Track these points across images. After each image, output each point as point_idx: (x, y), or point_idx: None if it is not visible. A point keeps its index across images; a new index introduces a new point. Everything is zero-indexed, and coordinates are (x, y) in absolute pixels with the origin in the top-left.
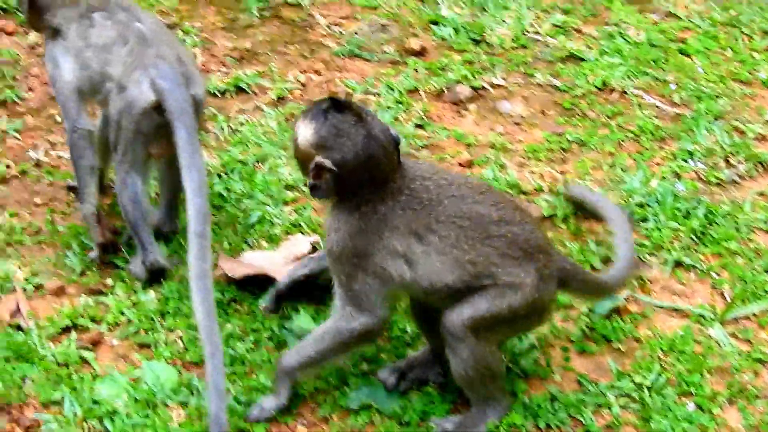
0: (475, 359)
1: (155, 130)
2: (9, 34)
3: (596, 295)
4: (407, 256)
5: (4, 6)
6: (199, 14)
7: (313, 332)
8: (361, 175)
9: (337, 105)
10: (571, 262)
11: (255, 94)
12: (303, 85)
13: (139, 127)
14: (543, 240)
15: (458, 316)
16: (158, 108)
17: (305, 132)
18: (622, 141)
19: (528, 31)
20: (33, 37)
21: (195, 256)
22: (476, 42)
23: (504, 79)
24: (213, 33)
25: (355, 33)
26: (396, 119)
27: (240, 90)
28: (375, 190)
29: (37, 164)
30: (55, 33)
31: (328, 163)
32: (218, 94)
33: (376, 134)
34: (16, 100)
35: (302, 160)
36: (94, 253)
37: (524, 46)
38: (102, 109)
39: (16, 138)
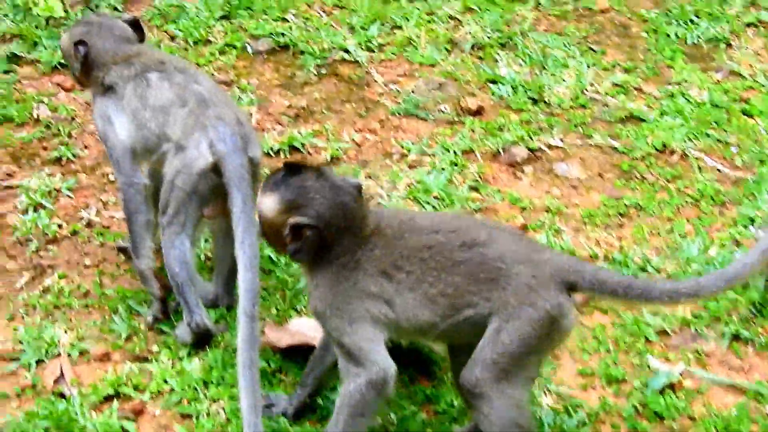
0: (499, 416)
1: (210, 191)
2: (67, 90)
3: (631, 301)
4: (384, 296)
5: (63, 62)
6: (256, 71)
7: (335, 405)
8: (338, 225)
9: (292, 169)
10: (576, 259)
11: (309, 153)
12: (358, 144)
13: (195, 188)
14: (525, 247)
15: (469, 372)
16: (215, 169)
17: (270, 203)
18: (681, 206)
19: (587, 90)
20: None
21: (243, 339)
22: (534, 101)
23: (561, 140)
24: (269, 90)
25: (412, 91)
26: (450, 181)
27: (294, 149)
28: (349, 238)
29: (89, 224)
30: (106, 90)
31: (304, 220)
32: (272, 154)
33: (340, 184)
34: (70, 157)
35: (275, 230)
36: (152, 311)
37: (583, 106)
38: (150, 168)
39: (69, 197)
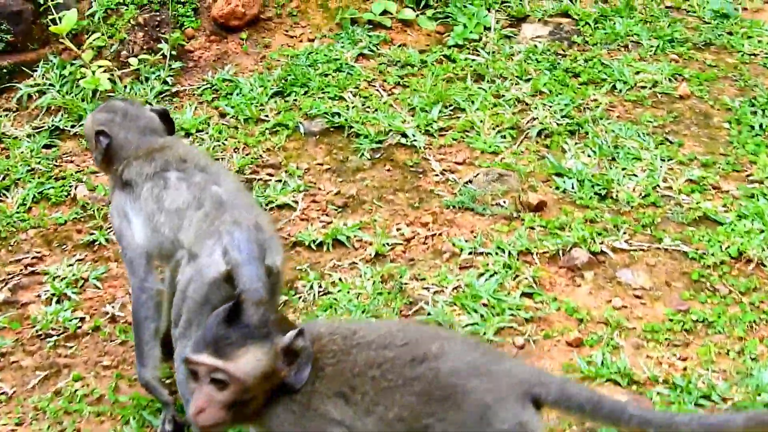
0: None
1: (225, 302)
2: None
3: (599, 420)
4: (345, 422)
5: None
6: (306, 154)
7: None
8: None
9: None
10: (540, 370)
11: (354, 248)
12: (407, 240)
13: (206, 298)
14: (482, 358)
15: None
16: (229, 278)
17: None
18: (755, 323)
19: (660, 187)
20: None
21: None
22: (601, 197)
23: (627, 242)
24: (319, 176)
25: (470, 181)
26: (501, 285)
27: (338, 243)
28: None
29: (113, 319)
30: (125, 185)
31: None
32: (313, 247)
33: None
34: (103, 243)
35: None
36: (163, 422)
37: (654, 204)
38: (170, 274)
39: (97, 287)
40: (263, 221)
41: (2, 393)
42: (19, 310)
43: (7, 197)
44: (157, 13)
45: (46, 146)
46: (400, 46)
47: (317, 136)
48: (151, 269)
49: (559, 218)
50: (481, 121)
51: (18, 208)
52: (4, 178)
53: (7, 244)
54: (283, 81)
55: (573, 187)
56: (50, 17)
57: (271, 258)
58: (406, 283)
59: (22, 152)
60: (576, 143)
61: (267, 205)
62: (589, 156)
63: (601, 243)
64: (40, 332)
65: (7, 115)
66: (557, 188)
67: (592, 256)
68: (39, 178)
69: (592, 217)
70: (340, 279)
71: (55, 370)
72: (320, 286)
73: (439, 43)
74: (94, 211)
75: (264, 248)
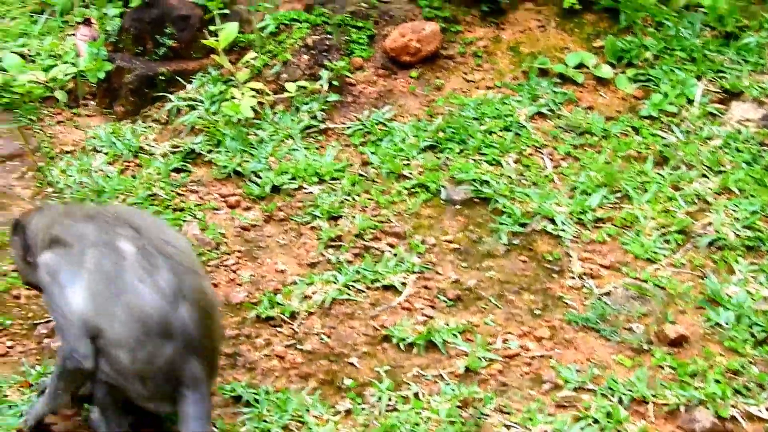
0: None
1: None
2: (231, 206)
3: None
4: None
5: (238, 170)
6: (439, 227)
7: None
8: None
9: None
10: None
11: (447, 355)
12: (509, 357)
13: None
14: None
15: None
16: None
17: None
18: None
19: None
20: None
21: None
22: (758, 342)
23: None
24: (442, 256)
25: (606, 294)
26: None
27: (432, 345)
28: None
29: None
30: None
31: None
32: (402, 347)
33: None
34: None
35: None
36: None
37: None
38: None
39: None
40: None
41: None
42: None
43: None
44: (329, 36)
45: (177, 170)
46: (585, 108)
47: (457, 206)
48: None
49: (696, 362)
50: (646, 218)
51: None
52: (123, 200)
53: None
54: (440, 133)
55: (727, 323)
56: (212, 27)
57: None
58: (486, 416)
59: (149, 173)
60: (750, 264)
61: (371, 283)
62: (760, 284)
63: (734, 406)
64: None
65: (152, 128)
66: (708, 320)
67: (717, 421)
68: (157, 205)
69: (737, 368)
70: (416, 394)
71: None
72: (390, 400)
73: (632, 110)
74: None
75: None
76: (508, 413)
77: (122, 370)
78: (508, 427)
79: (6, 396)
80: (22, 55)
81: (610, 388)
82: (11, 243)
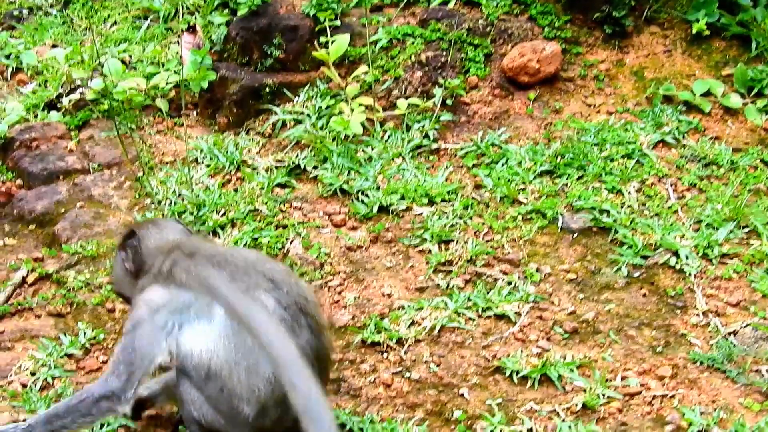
0: None
1: None
2: (336, 225)
3: None
4: None
5: (344, 188)
6: (555, 255)
7: None
8: None
9: None
10: None
11: (564, 391)
12: (630, 395)
13: None
14: None
15: None
16: None
17: None
18: None
19: None
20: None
21: None
22: None
23: None
24: (558, 286)
25: (732, 334)
26: None
27: (546, 379)
28: None
29: None
30: None
31: None
32: (515, 380)
33: None
34: None
35: None
36: None
37: None
38: None
39: None
40: None
41: None
42: None
43: (219, 237)
44: (444, 53)
45: (281, 185)
46: (711, 138)
47: (575, 235)
48: None
49: None
50: None
51: None
52: (223, 214)
53: None
54: (558, 158)
55: None
56: (322, 39)
57: None
58: None
59: (252, 188)
60: None
61: (482, 311)
62: None
63: None
64: None
65: (256, 141)
66: None
67: None
68: (259, 222)
69: None
70: (529, 430)
71: None
72: None
73: (761, 143)
74: (302, 274)
75: None
76: None
77: (237, 420)
78: None
79: None
80: (124, 62)
81: None
82: (120, 249)
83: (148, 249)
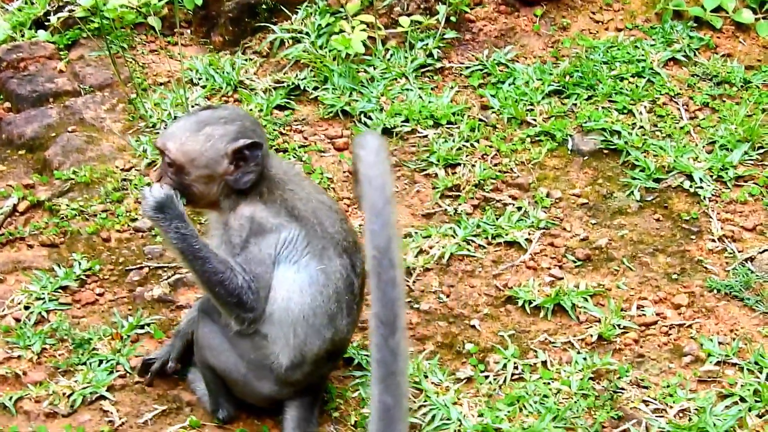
0: None
1: None
2: (339, 149)
3: None
4: None
5: (345, 109)
6: (566, 179)
7: None
8: None
9: None
10: None
11: (578, 321)
12: (645, 325)
13: None
14: None
15: None
16: None
17: None
18: None
19: None
20: None
21: None
22: None
23: None
24: (569, 211)
25: (751, 259)
26: (740, 421)
27: (560, 309)
28: None
29: None
30: None
31: None
32: (528, 310)
33: None
34: None
35: None
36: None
37: None
38: None
39: None
40: None
41: (109, 421)
42: (172, 313)
43: None
44: None
45: (280, 107)
46: (723, 56)
47: (585, 157)
48: None
49: None
50: None
51: None
52: None
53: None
54: (566, 77)
55: None
56: None
57: None
58: (622, 389)
59: (250, 110)
60: None
61: (492, 239)
62: None
63: None
64: None
65: (253, 61)
66: None
67: None
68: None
69: None
70: (544, 363)
71: (176, 407)
72: (516, 368)
73: None
74: None
75: None
76: (646, 387)
77: (263, 369)
78: (646, 402)
79: (96, 350)
80: None
81: (757, 364)
82: (237, 156)
83: (273, 168)
